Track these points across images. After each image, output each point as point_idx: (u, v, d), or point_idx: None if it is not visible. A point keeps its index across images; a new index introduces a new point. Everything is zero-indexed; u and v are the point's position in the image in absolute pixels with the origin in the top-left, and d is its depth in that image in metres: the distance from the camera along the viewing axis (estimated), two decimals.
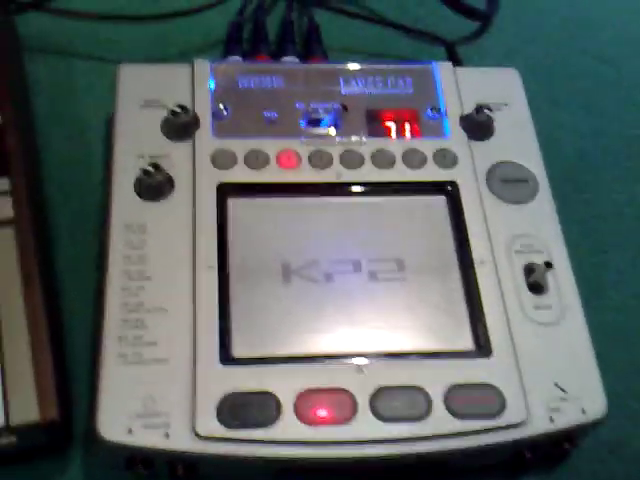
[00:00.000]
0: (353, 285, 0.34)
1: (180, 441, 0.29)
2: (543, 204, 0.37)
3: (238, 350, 0.31)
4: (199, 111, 0.37)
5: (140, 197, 0.35)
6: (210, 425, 0.29)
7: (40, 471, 0.31)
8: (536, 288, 0.34)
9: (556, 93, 0.47)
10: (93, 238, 0.37)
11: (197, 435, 0.29)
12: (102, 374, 0.30)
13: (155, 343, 0.31)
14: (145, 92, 0.38)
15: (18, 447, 0.29)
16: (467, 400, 0.30)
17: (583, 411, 0.31)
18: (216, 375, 0.30)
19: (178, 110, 0.36)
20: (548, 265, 0.34)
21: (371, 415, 0.30)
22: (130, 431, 0.29)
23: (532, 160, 0.38)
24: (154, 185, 0.34)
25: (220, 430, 0.29)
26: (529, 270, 0.34)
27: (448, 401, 0.30)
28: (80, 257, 0.37)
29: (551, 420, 0.30)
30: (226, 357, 0.31)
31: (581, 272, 0.35)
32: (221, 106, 0.38)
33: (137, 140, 0.36)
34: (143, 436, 0.29)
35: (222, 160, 0.36)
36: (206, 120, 0.37)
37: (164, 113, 0.37)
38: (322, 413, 0.30)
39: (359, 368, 0.31)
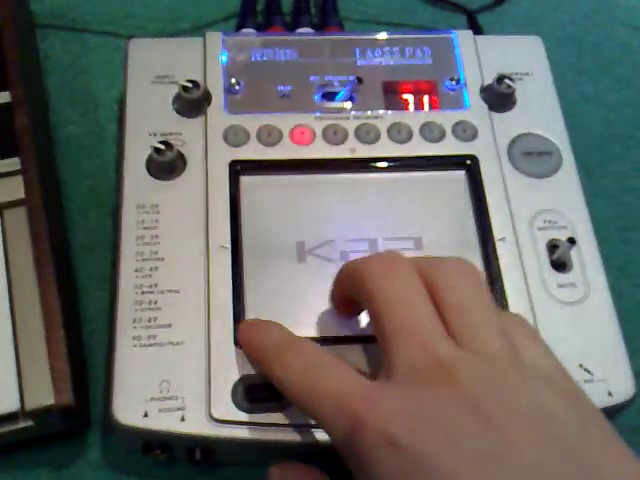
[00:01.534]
0: None
1: (196, 425, 0.28)
2: (567, 178, 0.35)
3: None
4: (211, 86, 0.36)
5: (152, 176, 0.34)
6: (225, 409, 0.29)
7: (59, 455, 0.31)
8: (560, 266, 0.33)
9: (582, 62, 0.45)
10: (107, 218, 0.37)
11: (213, 418, 0.28)
12: (116, 357, 0.30)
13: (169, 325, 0.30)
14: (156, 67, 0.37)
15: (35, 432, 0.29)
16: None
17: (610, 393, 0.30)
18: (230, 358, 0.30)
19: (189, 85, 0.35)
20: (571, 241, 0.32)
21: None
22: (146, 415, 0.28)
23: (555, 132, 0.37)
24: (165, 163, 0.34)
25: (235, 414, 0.28)
26: (552, 247, 0.33)
27: None
28: (94, 238, 0.37)
29: None
30: None
31: (609, 249, 0.34)
32: (233, 80, 0.37)
33: (148, 117, 0.36)
34: (159, 420, 0.28)
35: (234, 137, 0.35)
36: (218, 95, 0.36)
37: (175, 89, 0.36)
38: None
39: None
